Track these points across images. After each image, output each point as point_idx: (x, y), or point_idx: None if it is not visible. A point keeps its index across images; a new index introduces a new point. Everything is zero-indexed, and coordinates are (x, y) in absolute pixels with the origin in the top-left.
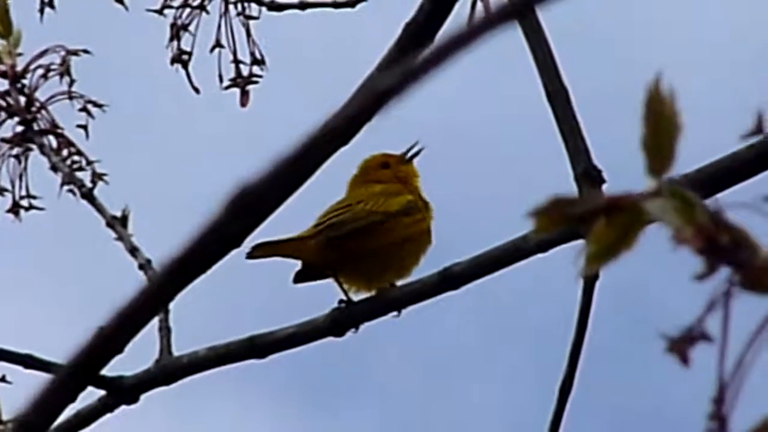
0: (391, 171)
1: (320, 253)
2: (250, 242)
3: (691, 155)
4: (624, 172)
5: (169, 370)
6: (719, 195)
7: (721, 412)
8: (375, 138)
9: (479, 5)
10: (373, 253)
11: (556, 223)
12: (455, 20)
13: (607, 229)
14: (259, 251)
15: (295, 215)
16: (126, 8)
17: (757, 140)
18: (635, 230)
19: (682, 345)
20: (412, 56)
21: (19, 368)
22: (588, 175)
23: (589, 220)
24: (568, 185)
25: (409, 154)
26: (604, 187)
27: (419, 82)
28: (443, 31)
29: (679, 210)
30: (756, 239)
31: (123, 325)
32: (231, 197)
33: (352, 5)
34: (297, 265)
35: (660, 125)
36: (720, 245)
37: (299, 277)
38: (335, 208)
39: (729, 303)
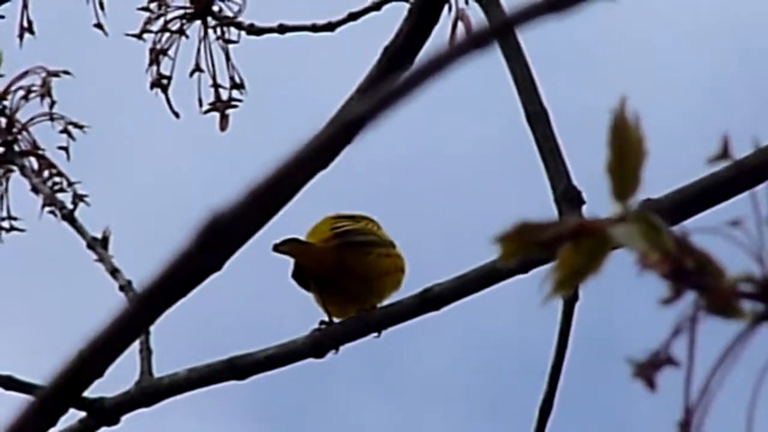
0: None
1: (326, 258)
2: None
3: (663, 179)
4: (604, 193)
5: (150, 392)
6: (690, 219)
7: None
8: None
9: (460, 27)
10: (368, 272)
11: (523, 249)
12: (434, 43)
13: (574, 254)
14: (286, 246)
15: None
16: (105, 34)
17: (724, 165)
18: (601, 255)
19: (648, 370)
20: (389, 81)
21: None
22: (568, 196)
23: (555, 245)
24: (547, 206)
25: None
26: (584, 208)
27: (395, 108)
28: (421, 55)
29: (645, 235)
30: (721, 264)
31: (104, 347)
32: (201, 227)
33: (332, 29)
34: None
35: (625, 150)
36: (686, 270)
37: (294, 276)
38: (340, 219)
39: (695, 327)
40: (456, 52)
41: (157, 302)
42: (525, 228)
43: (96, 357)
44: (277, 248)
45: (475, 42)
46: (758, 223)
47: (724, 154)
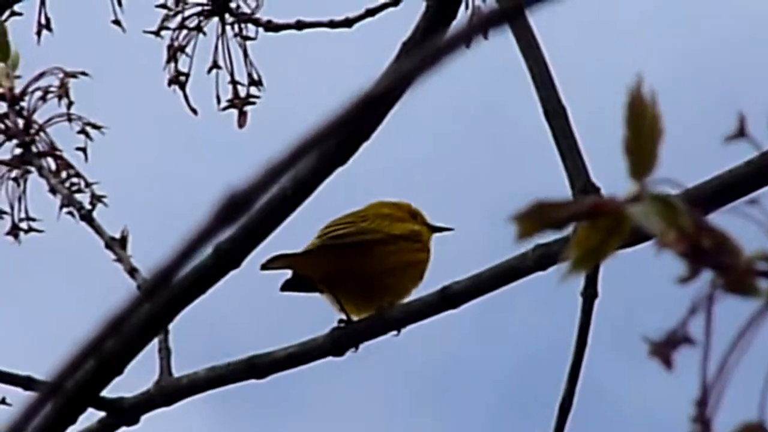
0: (416, 220)
1: (318, 264)
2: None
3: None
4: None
5: (169, 391)
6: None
7: (704, 416)
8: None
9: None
10: (372, 271)
11: (539, 227)
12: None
13: (590, 233)
14: (274, 263)
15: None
16: (123, 30)
17: (755, 156)
18: (618, 234)
19: (664, 349)
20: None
21: (20, 390)
22: (586, 192)
23: (572, 224)
24: None
25: (437, 226)
26: None
27: (440, 66)
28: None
29: (662, 214)
30: (738, 242)
31: (123, 346)
32: (220, 202)
33: (349, 25)
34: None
35: (642, 129)
36: (702, 248)
37: (287, 286)
38: (338, 223)
39: (712, 306)
40: (483, 22)
41: (179, 299)
42: (541, 207)
43: (115, 355)
44: (264, 267)
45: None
46: None
47: (741, 132)
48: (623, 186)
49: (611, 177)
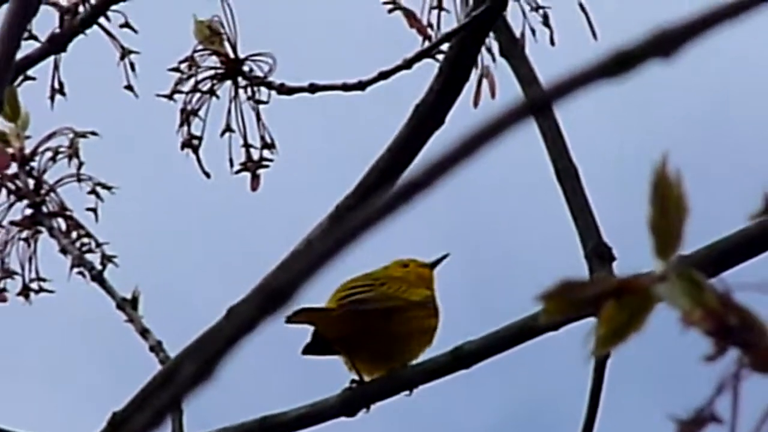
0: (409, 269)
1: (339, 326)
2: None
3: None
4: (634, 248)
5: None
6: (727, 272)
7: None
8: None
9: (484, 85)
10: (390, 335)
11: (567, 306)
12: (464, 102)
13: (617, 311)
14: (299, 317)
15: None
16: (136, 95)
17: (754, 222)
18: (644, 313)
19: (692, 427)
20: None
21: None
22: (598, 252)
23: (598, 303)
24: (577, 263)
25: (432, 261)
26: (615, 264)
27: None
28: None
29: (688, 292)
30: (764, 320)
31: (138, 407)
32: (263, 294)
33: (362, 88)
34: (306, 338)
35: (667, 207)
36: (729, 327)
37: (308, 350)
38: (357, 285)
39: (738, 384)
40: (495, 127)
41: (203, 371)
42: (568, 286)
43: (130, 418)
44: (289, 320)
45: (516, 117)
46: None
47: (766, 210)
48: (634, 244)
49: (623, 235)
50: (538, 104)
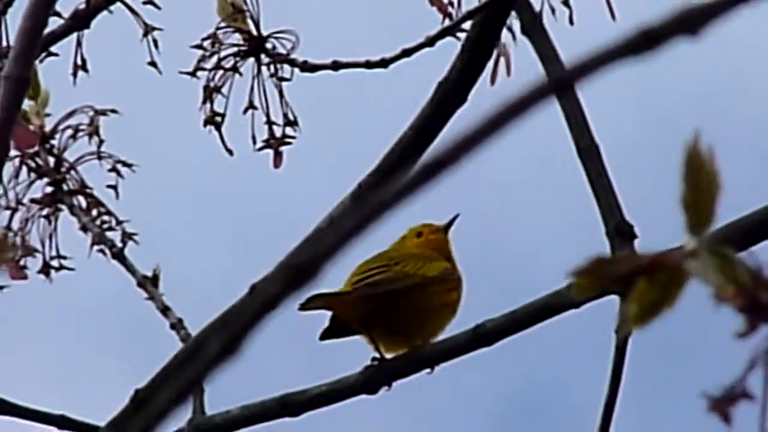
0: (423, 238)
1: (356, 310)
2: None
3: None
4: (656, 226)
5: (202, 430)
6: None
7: None
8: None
9: (501, 63)
10: (409, 314)
11: (597, 283)
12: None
13: (648, 288)
14: (313, 303)
15: None
16: (159, 72)
17: None
18: (676, 289)
19: (723, 404)
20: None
21: (53, 429)
22: (620, 230)
23: (629, 279)
24: (599, 240)
25: (445, 223)
26: (636, 242)
27: (473, 152)
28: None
29: (719, 269)
30: None
31: (160, 385)
32: (287, 271)
33: (385, 65)
34: (325, 322)
35: (699, 184)
36: (761, 303)
37: (326, 335)
38: (372, 267)
39: None
40: (519, 105)
41: (226, 347)
42: (599, 263)
43: (152, 395)
44: (303, 307)
45: (540, 96)
46: None
47: None
48: (656, 222)
49: (645, 213)
50: (562, 83)
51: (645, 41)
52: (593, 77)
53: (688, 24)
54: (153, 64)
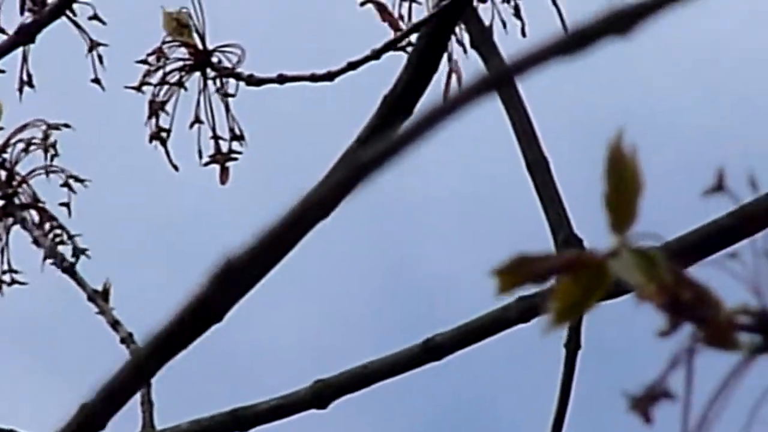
0: None
1: None
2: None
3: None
4: (606, 241)
5: None
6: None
7: None
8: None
9: (453, 78)
10: None
11: (520, 281)
12: (433, 92)
13: (571, 286)
14: None
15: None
16: (103, 89)
17: (736, 208)
18: (599, 288)
19: (644, 403)
20: (393, 128)
21: None
22: (569, 244)
23: (552, 278)
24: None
25: None
26: None
27: (400, 154)
28: (422, 104)
29: (642, 267)
30: (719, 296)
31: (106, 400)
32: (216, 271)
33: (331, 79)
34: None
35: (622, 182)
36: (682, 302)
37: None
38: None
39: (692, 360)
40: (458, 100)
41: (162, 352)
42: (522, 261)
43: (99, 409)
44: None
45: (477, 91)
46: (755, 255)
47: (719, 187)
48: (606, 237)
49: (593, 227)
50: (497, 79)
51: (576, 42)
52: (528, 75)
53: (617, 24)
54: (97, 81)
